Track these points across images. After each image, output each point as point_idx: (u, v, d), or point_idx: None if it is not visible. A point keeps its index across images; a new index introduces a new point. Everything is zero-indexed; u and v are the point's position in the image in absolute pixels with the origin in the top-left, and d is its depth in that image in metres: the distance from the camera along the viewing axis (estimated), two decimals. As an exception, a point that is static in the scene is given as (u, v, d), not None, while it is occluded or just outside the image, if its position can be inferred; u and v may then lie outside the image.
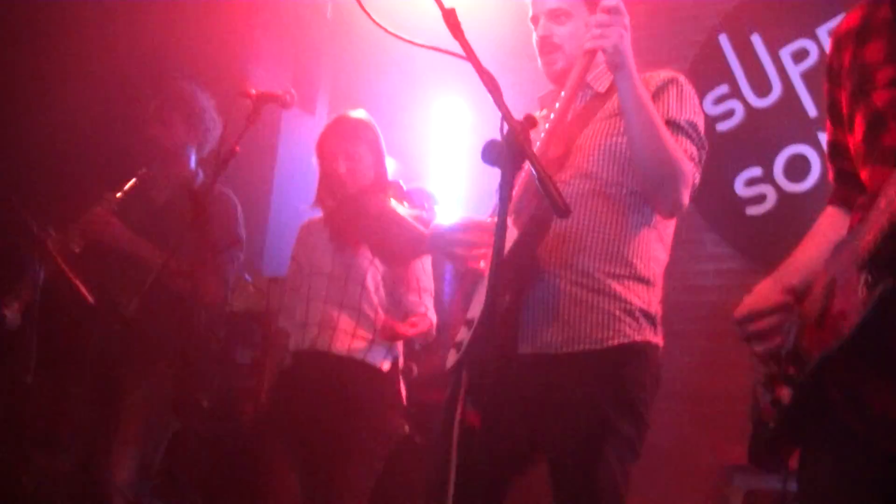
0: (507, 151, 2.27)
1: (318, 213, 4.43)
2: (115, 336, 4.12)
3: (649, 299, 2.90)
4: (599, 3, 2.68)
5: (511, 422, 2.77)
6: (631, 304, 2.85)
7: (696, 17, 6.09)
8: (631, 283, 2.88)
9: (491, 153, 2.31)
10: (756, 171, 5.76)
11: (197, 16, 5.72)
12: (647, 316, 2.89)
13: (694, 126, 2.91)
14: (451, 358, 2.94)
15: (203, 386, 4.28)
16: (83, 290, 3.78)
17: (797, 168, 5.63)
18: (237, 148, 3.64)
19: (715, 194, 5.64)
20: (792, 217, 5.48)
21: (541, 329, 2.83)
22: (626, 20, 2.69)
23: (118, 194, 4.27)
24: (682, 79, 2.97)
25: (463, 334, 2.92)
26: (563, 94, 2.86)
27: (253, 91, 3.75)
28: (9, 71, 5.51)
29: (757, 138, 5.79)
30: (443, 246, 2.98)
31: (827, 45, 3.71)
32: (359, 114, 4.38)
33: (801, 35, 5.73)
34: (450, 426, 2.79)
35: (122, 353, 4.15)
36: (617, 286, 2.84)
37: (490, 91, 2.39)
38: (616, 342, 2.81)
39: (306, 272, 4.33)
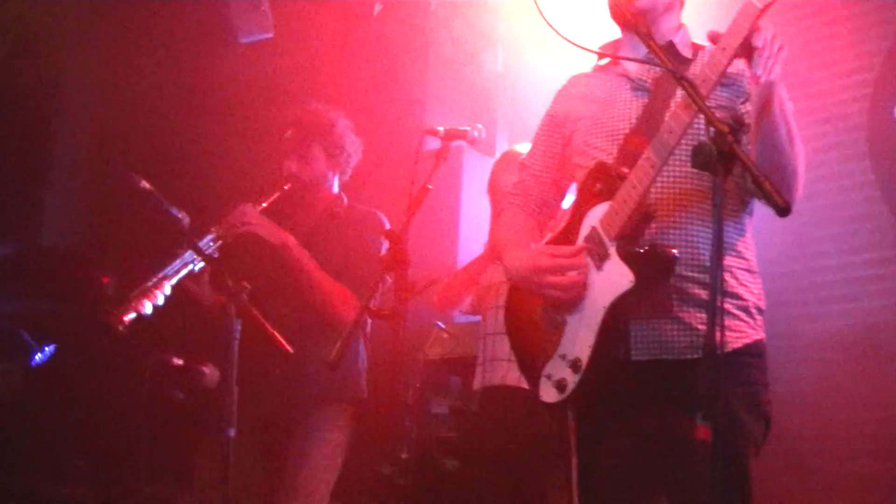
0: (717, 154, 2.21)
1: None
2: (284, 381, 4.14)
3: (760, 292, 2.85)
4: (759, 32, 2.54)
5: (633, 431, 2.78)
6: (746, 300, 2.80)
7: (883, 21, 5.82)
8: (744, 275, 2.82)
9: (700, 157, 2.26)
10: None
11: (370, 56, 5.86)
12: (760, 312, 2.84)
13: None
14: (550, 394, 2.87)
15: (400, 437, 4.26)
16: (280, 339, 3.78)
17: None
18: (429, 186, 3.62)
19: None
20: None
21: (657, 333, 2.76)
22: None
23: (263, 204, 4.28)
24: None
25: (560, 370, 2.84)
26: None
27: (440, 129, 3.74)
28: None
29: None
30: (535, 289, 2.91)
31: None
32: (527, 148, 4.34)
33: None
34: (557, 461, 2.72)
35: (288, 398, 4.16)
36: (732, 281, 2.77)
37: (691, 96, 2.38)
38: (740, 344, 2.76)
39: (492, 305, 4.32)
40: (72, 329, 6.28)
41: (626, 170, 2.71)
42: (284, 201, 4.37)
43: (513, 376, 4.18)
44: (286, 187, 4.35)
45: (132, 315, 3.91)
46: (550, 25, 2.88)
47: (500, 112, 6.61)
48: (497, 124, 6.50)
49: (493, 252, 3.20)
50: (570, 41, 2.82)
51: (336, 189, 4.50)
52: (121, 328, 3.86)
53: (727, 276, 2.74)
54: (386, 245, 4.26)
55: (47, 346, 6.20)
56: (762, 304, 2.85)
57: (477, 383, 4.50)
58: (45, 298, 6.36)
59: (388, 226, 4.37)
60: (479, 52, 6.52)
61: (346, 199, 4.49)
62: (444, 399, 5.33)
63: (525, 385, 4.01)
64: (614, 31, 3.05)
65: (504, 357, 4.25)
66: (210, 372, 4.15)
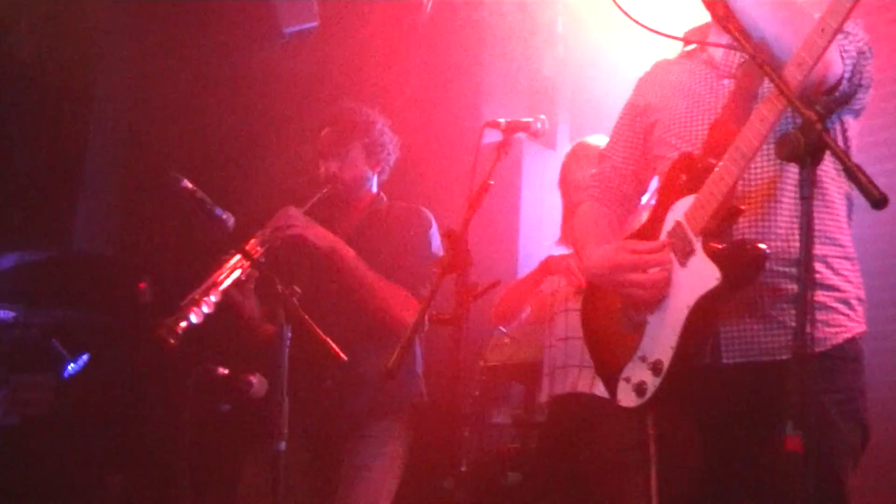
0: (805, 145, 2.23)
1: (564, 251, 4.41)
2: (337, 390, 4.17)
3: (858, 281, 2.83)
4: None
5: (719, 440, 2.75)
6: (844, 291, 2.78)
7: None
8: (842, 263, 2.80)
9: (786, 147, 2.24)
10: None
11: (423, 46, 5.88)
12: (861, 302, 2.82)
13: None
14: (629, 398, 2.88)
15: (459, 449, 4.26)
16: (334, 347, 3.79)
17: None
18: (490, 182, 3.62)
19: None
20: None
21: (749, 333, 2.75)
22: None
23: (303, 210, 4.29)
24: None
25: (640, 373, 2.85)
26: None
27: (502, 121, 3.73)
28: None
29: None
30: (614, 288, 2.92)
31: None
32: (599, 140, 4.34)
33: None
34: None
35: (341, 408, 4.19)
36: (827, 272, 2.75)
37: (774, 81, 2.36)
38: (840, 339, 2.73)
39: (560, 310, 4.32)
40: (106, 338, 6.35)
41: (713, 161, 2.71)
42: (324, 204, 4.40)
43: (584, 383, 4.19)
44: (326, 189, 4.38)
45: (184, 325, 3.88)
46: (625, 13, 2.87)
47: (561, 103, 6.62)
48: (558, 115, 6.50)
49: (573, 248, 3.20)
50: (648, 28, 2.82)
51: (375, 189, 4.55)
52: (172, 341, 3.83)
53: (822, 268, 2.74)
54: (436, 240, 4.30)
55: (80, 356, 6.28)
56: (862, 294, 2.84)
57: (544, 395, 4.50)
58: (78, 307, 6.42)
59: (433, 221, 4.42)
60: (539, 40, 6.52)
61: (385, 198, 4.53)
62: (505, 408, 5.32)
63: (598, 391, 4.04)
64: (699, 15, 3.04)
65: (575, 363, 4.26)
66: (258, 382, 4.15)
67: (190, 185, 3.88)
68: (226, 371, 4.30)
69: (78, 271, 6.44)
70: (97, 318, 6.43)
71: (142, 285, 5.14)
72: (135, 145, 6.58)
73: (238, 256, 4.03)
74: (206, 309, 3.93)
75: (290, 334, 3.74)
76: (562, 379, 4.31)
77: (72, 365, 6.25)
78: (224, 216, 3.95)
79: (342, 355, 3.77)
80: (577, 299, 4.14)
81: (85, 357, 6.30)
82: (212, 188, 3.99)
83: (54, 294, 6.41)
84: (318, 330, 3.76)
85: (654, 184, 3.17)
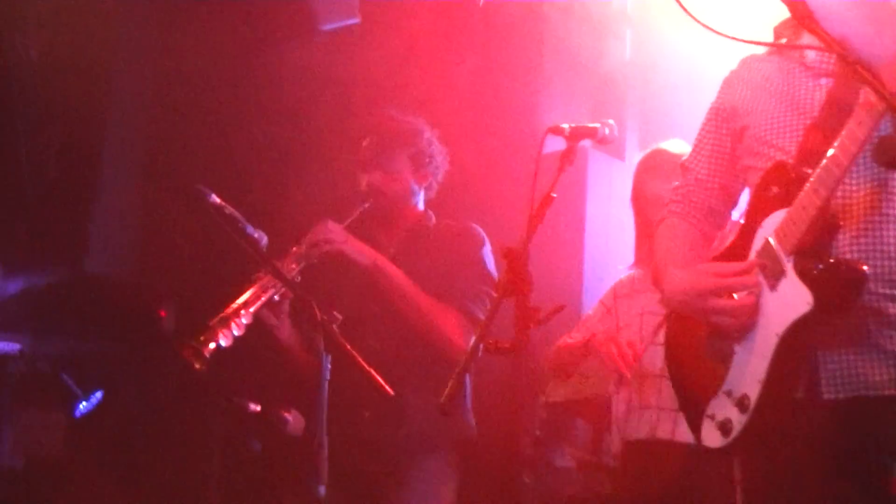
0: None
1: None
2: (377, 425, 4.20)
3: None
4: None
5: (813, 484, 2.74)
6: None
7: None
8: None
9: (886, 153, 2.25)
10: None
11: (475, 45, 5.90)
12: None
13: None
14: (713, 437, 2.89)
15: (517, 496, 4.26)
16: (380, 380, 3.80)
17: None
18: (552, 195, 3.64)
19: None
20: None
21: (853, 365, 2.74)
22: None
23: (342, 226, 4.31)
24: None
25: (725, 409, 2.86)
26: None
27: (566, 126, 3.74)
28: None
29: None
30: (699, 315, 2.93)
31: None
32: (677, 147, 4.33)
33: None
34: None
35: (384, 446, 4.21)
36: None
37: (867, 80, 2.36)
38: None
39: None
40: (123, 371, 6.39)
41: (807, 170, 2.71)
42: (365, 220, 4.45)
43: (665, 427, 4.17)
44: (367, 204, 4.41)
45: (212, 347, 3.90)
46: (696, 19, 2.88)
47: (629, 107, 6.62)
48: (626, 122, 6.50)
49: (653, 272, 3.21)
50: (722, 34, 2.82)
51: (422, 206, 4.58)
52: (198, 365, 3.86)
53: None
54: (490, 260, 4.31)
55: (94, 392, 6.32)
56: None
57: (616, 441, 4.47)
58: (92, 336, 6.47)
59: (486, 239, 4.45)
60: (603, 39, 6.54)
61: (433, 217, 4.57)
62: (569, 449, 5.31)
63: (680, 437, 4.02)
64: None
65: (652, 404, 4.23)
66: (293, 419, 4.21)
67: (218, 201, 3.88)
68: (258, 407, 4.35)
69: (91, 296, 6.46)
70: (113, 349, 6.46)
71: (162, 312, 5.22)
72: (155, 155, 6.62)
73: (270, 276, 4.07)
74: (236, 331, 3.97)
75: (329, 365, 3.77)
76: (637, 422, 4.28)
77: (84, 403, 6.28)
78: (256, 235, 3.98)
79: (389, 390, 3.73)
80: (657, 332, 4.15)
81: (99, 394, 6.33)
82: (241, 204, 4.00)
83: (64, 322, 6.44)
84: (363, 361, 3.77)
85: (746, 197, 3.16)
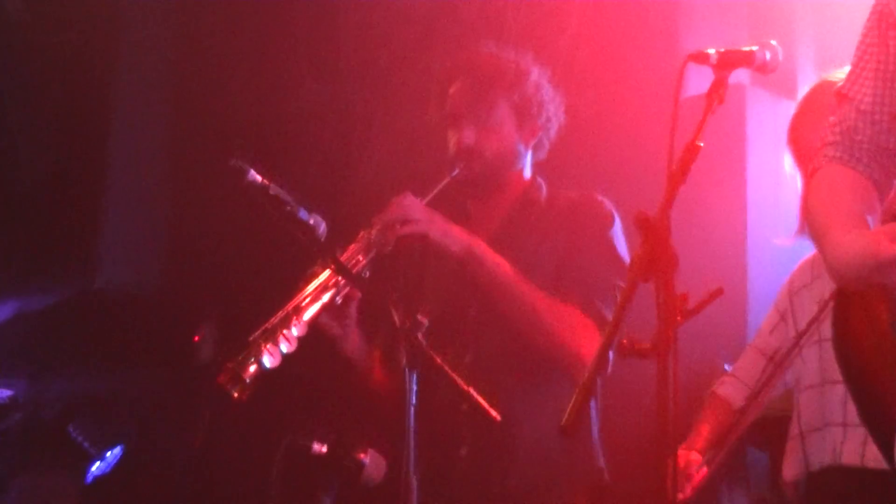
0: None
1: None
2: (476, 463, 4.25)
3: None
4: None
5: None
6: None
7: None
8: None
9: None
10: None
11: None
12: None
13: None
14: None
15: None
16: (483, 402, 3.80)
17: None
18: (698, 143, 3.60)
19: None
20: None
21: None
22: None
23: (425, 200, 4.32)
24: None
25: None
26: None
27: (712, 52, 3.68)
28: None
29: None
30: (879, 294, 2.92)
31: None
32: None
33: None
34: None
35: (486, 489, 4.25)
36: None
37: None
38: None
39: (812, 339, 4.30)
40: (149, 417, 6.47)
41: None
42: (455, 192, 4.47)
43: (852, 449, 4.14)
44: (457, 171, 4.41)
45: (253, 370, 3.91)
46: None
47: (802, 33, 6.59)
48: (796, 46, 6.47)
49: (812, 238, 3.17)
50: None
51: (529, 171, 4.59)
52: (237, 393, 3.87)
53: None
54: (622, 242, 4.30)
55: (110, 448, 6.40)
56: None
57: (790, 471, 4.46)
58: (106, 372, 6.55)
59: (616, 216, 4.42)
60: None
61: (544, 185, 4.58)
62: (738, 487, 5.29)
63: (871, 462, 4.00)
64: None
65: (838, 420, 4.20)
66: (371, 461, 4.22)
67: (260, 179, 3.87)
68: (324, 447, 4.38)
69: (104, 319, 6.52)
70: (134, 390, 6.54)
71: (197, 336, 5.28)
72: (177, 131, 6.69)
73: (329, 271, 4.10)
74: (285, 346, 3.98)
75: (415, 387, 3.79)
76: (818, 445, 4.25)
77: (98, 463, 6.33)
78: (311, 220, 3.97)
79: (495, 414, 3.75)
80: (812, 324, 4.12)
81: (118, 450, 6.38)
82: (292, 182, 4.00)
83: (71, 356, 6.51)
84: (458, 378, 3.78)
85: None
